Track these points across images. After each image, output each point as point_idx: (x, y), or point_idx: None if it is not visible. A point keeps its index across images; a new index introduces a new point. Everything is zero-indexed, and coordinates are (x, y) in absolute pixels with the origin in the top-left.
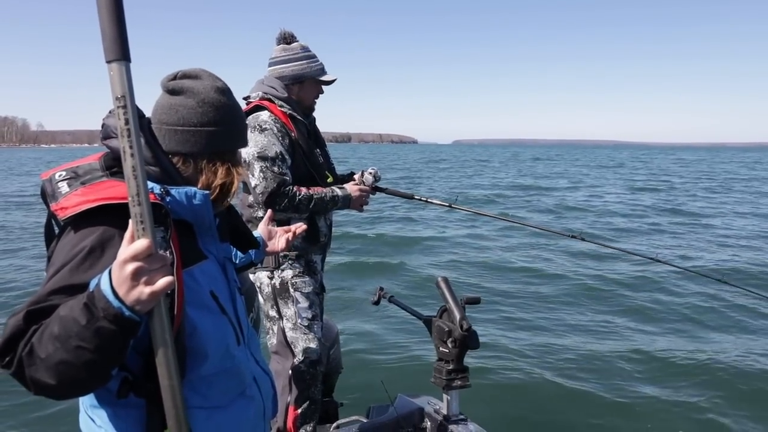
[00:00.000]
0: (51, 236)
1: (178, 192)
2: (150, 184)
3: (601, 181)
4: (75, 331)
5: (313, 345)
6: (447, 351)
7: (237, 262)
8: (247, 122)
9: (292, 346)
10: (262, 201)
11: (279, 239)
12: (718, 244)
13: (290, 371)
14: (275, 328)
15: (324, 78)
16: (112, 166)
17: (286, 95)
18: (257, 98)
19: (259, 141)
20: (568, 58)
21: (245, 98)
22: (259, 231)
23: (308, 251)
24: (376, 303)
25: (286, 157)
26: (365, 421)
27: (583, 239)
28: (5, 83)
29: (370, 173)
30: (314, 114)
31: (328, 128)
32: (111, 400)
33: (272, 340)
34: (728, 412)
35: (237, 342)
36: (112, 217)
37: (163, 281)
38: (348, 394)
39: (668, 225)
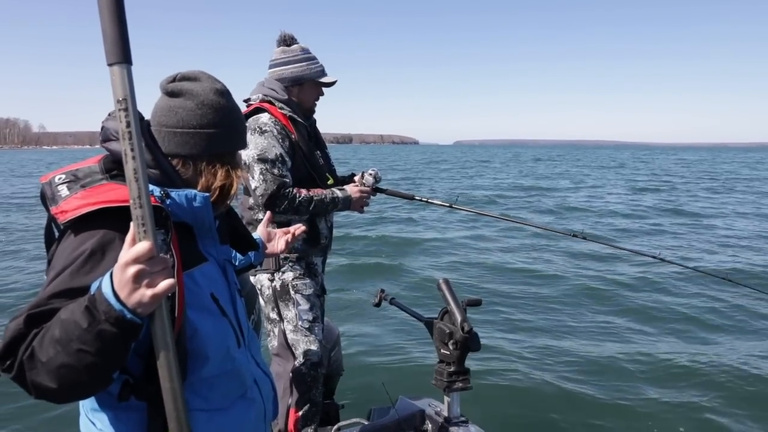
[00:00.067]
0: (51, 239)
1: (178, 194)
2: (150, 187)
3: (602, 181)
4: (76, 335)
5: (313, 347)
6: (448, 353)
7: (236, 264)
8: (247, 124)
9: (293, 349)
10: (262, 203)
11: (278, 241)
12: (720, 244)
13: (291, 373)
14: (276, 330)
15: (324, 80)
16: (112, 168)
17: (286, 97)
18: (257, 100)
19: (259, 143)
20: (569, 58)
21: (246, 100)
22: (259, 233)
23: (309, 253)
24: (377, 305)
25: (286, 159)
26: (366, 423)
27: (584, 238)
28: (7, 84)
29: (371, 174)
30: (315, 116)
31: (330, 129)
32: (112, 403)
33: (273, 343)
34: (730, 414)
35: (237, 344)
36: (113, 220)
37: (164, 284)
38: (349, 396)
39: (670, 225)
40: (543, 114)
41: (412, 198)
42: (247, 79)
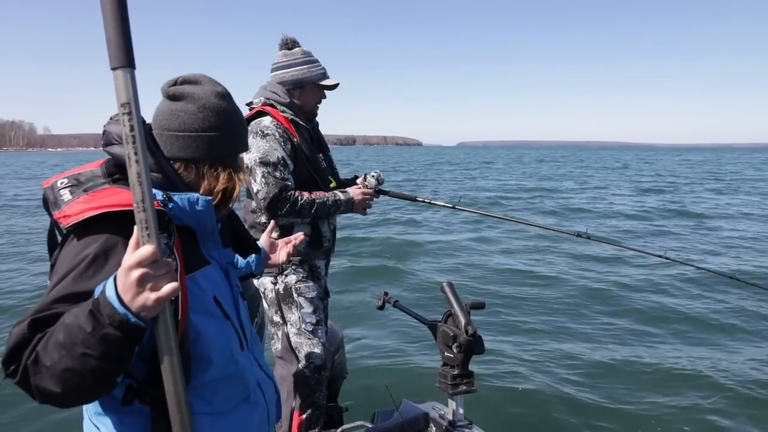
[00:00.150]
0: (54, 244)
1: (180, 198)
2: (152, 191)
3: (606, 182)
4: (80, 339)
5: (317, 350)
6: (452, 356)
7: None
8: (249, 128)
9: (297, 352)
10: (264, 206)
11: (280, 252)
12: (726, 245)
13: (295, 376)
14: (279, 333)
15: (325, 82)
16: (114, 172)
17: (288, 100)
18: (260, 104)
19: (261, 146)
20: (572, 60)
21: (248, 104)
22: (262, 242)
23: (312, 256)
24: (381, 308)
25: (288, 162)
26: (370, 426)
27: (589, 238)
28: (12, 87)
29: (373, 176)
30: (318, 118)
31: (333, 131)
32: (116, 407)
33: (277, 346)
34: (735, 417)
35: (241, 347)
36: (116, 224)
37: (168, 287)
38: (352, 399)
39: (674, 227)
40: (546, 115)
41: (414, 199)
42: (249, 81)
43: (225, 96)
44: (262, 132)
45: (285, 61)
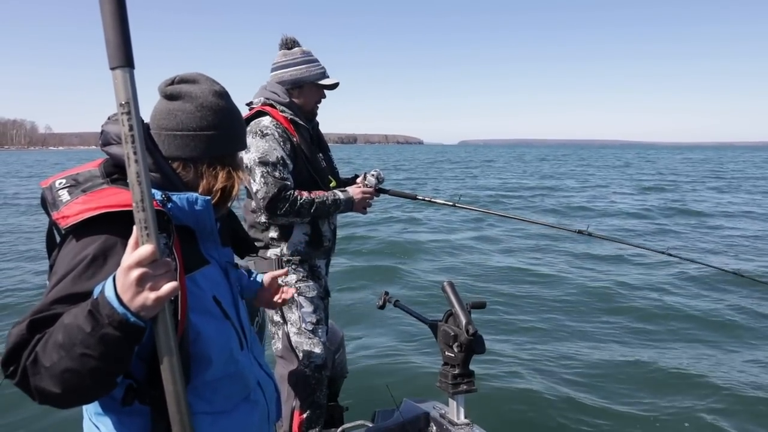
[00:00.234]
0: (53, 244)
1: (179, 198)
2: (152, 191)
3: (607, 180)
4: (80, 339)
5: (317, 349)
6: (453, 355)
7: None
8: (249, 128)
9: (297, 351)
10: (264, 206)
11: (273, 297)
12: (727, 244)
13: (295, 376)
14: (280, 333)
15: (324, 82)
16: (113, 172)
17: (287, 100)
18: (259, 104)
19: (261, 146)
20: (573, 58)
21: (248, 104)
22: (265, 277)
23: (312, 256)
24: (381, 307)
25: (288, 162)
26: (371, 425)
27: (590, 235)
28: (13, 86)
29: (373, 175)
30: (318, 117)
31: (334, 129)
32: (115, 407)
33: (277, 345)
34: (736, 419)
35: (240, 347)
36: (114, 224)
37: (168, 286)
38: (353, 399)
39: (675, 225)
40: (548, 114)
41: (414, 198)
42: (249, 80)
43: (222, 95)
44: (262, 132)
45: (284, 61)
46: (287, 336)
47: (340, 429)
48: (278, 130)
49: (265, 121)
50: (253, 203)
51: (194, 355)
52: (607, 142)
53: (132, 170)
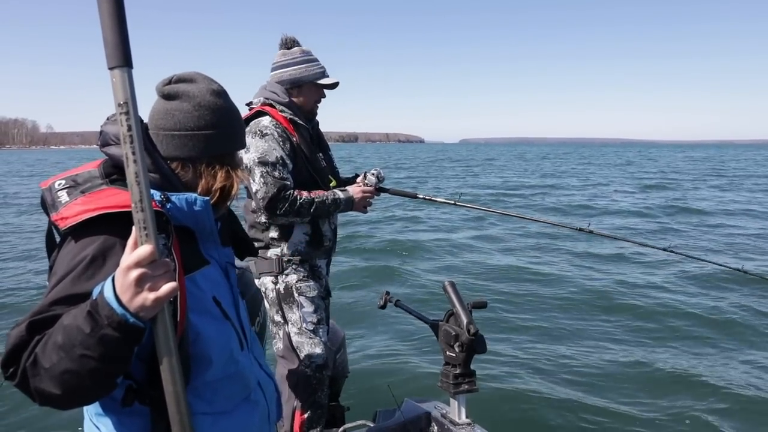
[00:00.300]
0: (52, 245)
1: (178, 198)
2: (150, 191)
3: (609, 179)
4: (79, 340)
5: (318, 349)
6: (454, 355)
7: None
8: (248, 128)
9: (298, 351)
10: (263, 206)
11: None
12: (728, 242)
13: (296, 376)
14: (281, 333)
15: (323, 81)
16: (112, 173)
17: (287, 100)
18: (259, 104)
19: (260, 146)
20: (574, 57)
21: (248, 104)
22: None
23: (313, 256)
24: (383, 307)
25: (287, 161)
26: (372, 425)
27: (591, 232)
28: (15, 85)
29: (373, 174)
30: (319, 116)
31: (335, 128)
32: (115, 408)
33: (278, 345)
34: (739, 420)
35: (241, 347)
36: (113, 225)
37: (167, 287)
38: (354, 399)
39: (677, 223)
40: (549, 112)
41: (415, 196)
42: (249, 79)
43: (220, 93)
44: (261, 132)
45: (283, 61)
46: (288, 336)
47: (341, 429)
48: (278, 130)
49: (265, 121)
50: (253, 203)
51: (194, 356)
52: (609, 140)
53: (131, 170)
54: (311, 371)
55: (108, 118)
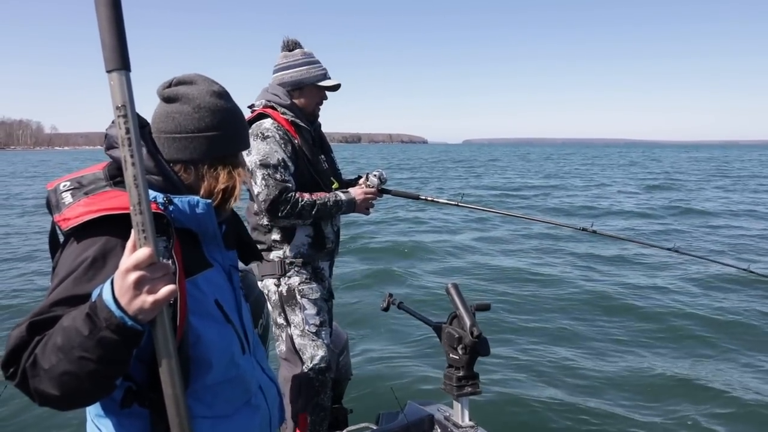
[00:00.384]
0: (56, 246)
1: (181, 201)
2: (153, 194)
3: (612, 180)
4: (78, 342)
5: (321, 352)
6: (457, 358)
7: None
8: (250, 130)
9: (301, 353)
10: (265, 208)
11: None
12: (733, 243)
13: (299, 378)
14: (283, 335)
15: (324, 83)
16: (116, 175)
17: (288, 102)
18: (261, 106)
19: (261, 149)
20: (577, 57)
21: (250, 106)
22: None
23: (315, 258)
24: (386, 309)
25: (289, 164)
26: (375, 428)
27: (594, 232)
28: (20, 86)
29: (375, 175)
30: (323, 117)
31: (338, 129)
32: (115, 409)
33: (281, 347)
34: (746, 426)
35: (242, 351)
36: (115, 227)
37: (165, 290)
38: (357, 401)
39: (681, 224)
40: (552, 113)
41: (417, 197)
42: (250, 79)
43: (221, 95)
44: (263, 134)
45: (285, 63)
46: (291, 338)
47: (344, 431)
48: (279, 132)
49: (266, 123)
50: (255, 206)
51: (194, 359)
52: (612, 140)
53: (129, 173)
54: (314, 373)
55: (113, 122)
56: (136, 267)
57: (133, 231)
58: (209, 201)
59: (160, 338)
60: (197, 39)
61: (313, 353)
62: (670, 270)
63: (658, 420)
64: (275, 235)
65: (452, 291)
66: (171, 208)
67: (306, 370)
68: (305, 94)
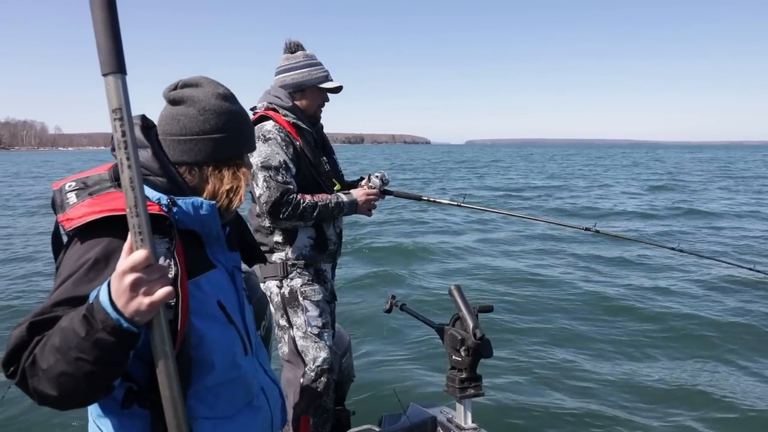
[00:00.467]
0: (59, 246)
1: (184, 202)
2: (157, 195)
3: (616, 180)
4: (75, 343)
5: (323, 353)
6: (460, 359)
7: None
8: None
9: (303, 355)
10: (266, 210)
11: None
12: (737, 244)
13: (302, 380)
14: (286, 337)
15: (326, 85)
16: None
17: (290, 104)
18: (262, 108)
19: (263, 151)
20: (581, 57)
21: (252, 109)
22: None
23: (317, 260)
24: (388, 311)
25: (290, 166)
26: (377, 430)
27: (597, 232)
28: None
29: (377, 176)
30: (325, 118)
31: (341, 129)
32: (116, 410)
33: (284, 349)
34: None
35: (244, 352)
36: (118, 228)
37: (161, 292)
38: (360, 403)
39: (684, 225)
40: (555, 113)
41: (419, 198)
42: (251, 79)
43: (227, 97)
44: (264, 136)
45: (287, 65)
46: (293, 340)
47: None
48: (281, 134)
49: (268, 125)
50: (257, 208)
51: (196, 359)
52: (616, 141)
53: (125, 176)
54: (317, 375)
55: None
56: (133, 269)
57: (129, 233)
58: (213, 203)
59: (157, 340)
60: (197, 39)
61: (316, 355)
62: (674, 271)
63: (662, 424)
64: (277, 237)
65: (455, 293)
66: (175, 209)
67: (308, 372)
68: (307, 96)
